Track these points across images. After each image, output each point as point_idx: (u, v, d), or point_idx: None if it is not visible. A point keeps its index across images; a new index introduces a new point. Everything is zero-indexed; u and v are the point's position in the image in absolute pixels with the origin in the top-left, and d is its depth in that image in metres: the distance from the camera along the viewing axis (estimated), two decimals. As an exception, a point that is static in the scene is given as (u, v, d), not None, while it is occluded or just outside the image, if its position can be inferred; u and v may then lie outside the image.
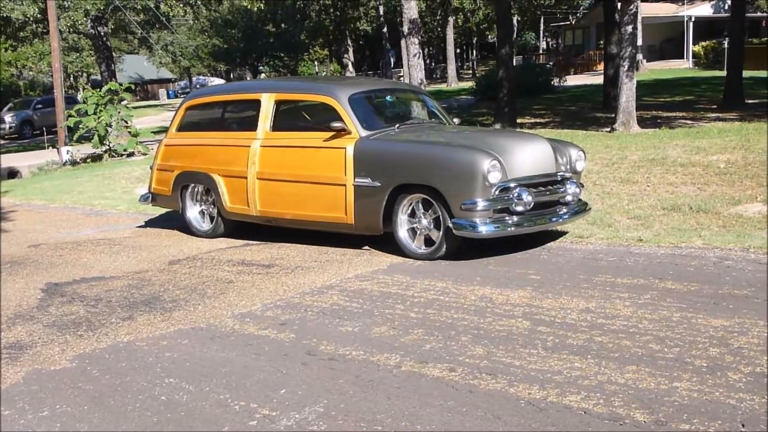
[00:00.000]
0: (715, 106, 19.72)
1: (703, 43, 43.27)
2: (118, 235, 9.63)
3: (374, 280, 6.53)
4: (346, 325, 5.35)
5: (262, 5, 31.32)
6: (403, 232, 7.23)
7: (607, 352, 4.49)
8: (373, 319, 5.45)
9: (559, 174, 7.30)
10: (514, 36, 52.45)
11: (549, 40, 75.75)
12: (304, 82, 10.48)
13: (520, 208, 6.86)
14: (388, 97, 9.04)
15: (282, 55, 53.54)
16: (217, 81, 68.81)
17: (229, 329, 5.47)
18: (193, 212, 9.11)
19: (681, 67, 43.96)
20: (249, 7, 33.27)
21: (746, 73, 21.25)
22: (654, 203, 8.73)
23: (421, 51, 20.00)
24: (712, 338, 4.60)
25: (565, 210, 7.32)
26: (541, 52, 68.09)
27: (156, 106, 56.75)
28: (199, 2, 33.20)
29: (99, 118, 19.59)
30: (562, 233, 7.68)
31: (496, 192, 6.78)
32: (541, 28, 69.78)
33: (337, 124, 7.53)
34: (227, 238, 8.78)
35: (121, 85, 21.02)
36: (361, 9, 53.19)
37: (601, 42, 35.43)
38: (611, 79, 19.84)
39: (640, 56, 37.90)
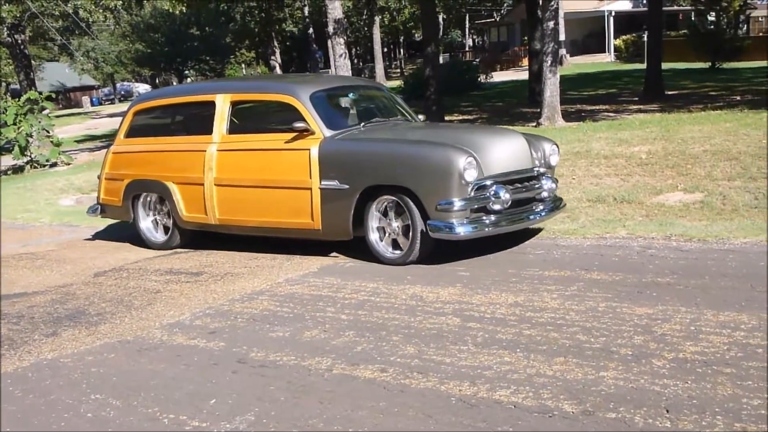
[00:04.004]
0: (636, 99, 20.18)
1: (624, 37, 44.30)
2: (41, 248, 9.36)
3: (305, 284, 6.48)
4: (277, 331, 5.30)
5: (184, 8, 30.71)
6: (374, 236, 6.93)
7: (535, 345, 4.54)
8: (304, 323, 5.42)
9: (535, 169, 7.06)
10: (440, 34, 53.01)
11: (475, 37, 76.63)
12: (261, 81, 9.92)
13: (497, 207, 6.60)
14: (350, 95, 8.45)
15: (208, 58, 52.92)
16: (144, 87, 67.61)
17: (158, 341, 5.36)
18: (146, 223, 8.66)
19: (603, 60, 45.01)
20: (171, 10, 32.67)
21: (665, 65, 21.82)
22: (579, 195, 8.89)
23: (347, 51, 19.96)
24: (637, 326, 4.70)
25: (542, 207, 7.08)
26: (467, 49, 68.82)
27: (80, 114, 55.40)
28: (119, 7, 32.54)
29: (19, 128, 19.05)
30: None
31: (473, 191, 6.50)
32: (467, 25, 70.54)
33: (299, 125, 7.18)
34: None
35: (41, 93, 20.47)
36: (287, 10, 52.86)
37: (526, 38, 35.99)
38: (536, 75, 20.08)
39: (563, 51, 38.60)
